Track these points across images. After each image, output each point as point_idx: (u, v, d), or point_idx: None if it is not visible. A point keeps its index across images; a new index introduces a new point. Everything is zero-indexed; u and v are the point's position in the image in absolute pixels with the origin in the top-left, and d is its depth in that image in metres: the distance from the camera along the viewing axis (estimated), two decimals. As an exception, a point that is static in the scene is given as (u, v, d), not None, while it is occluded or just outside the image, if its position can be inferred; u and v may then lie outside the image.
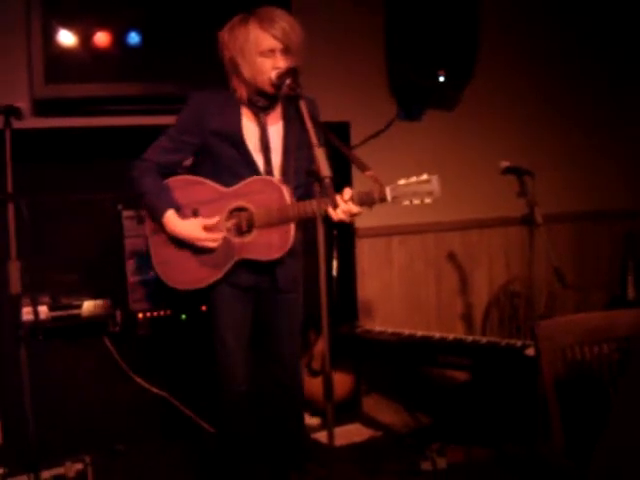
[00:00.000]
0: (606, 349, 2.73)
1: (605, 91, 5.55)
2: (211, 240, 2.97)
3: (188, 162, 3.18)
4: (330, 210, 2.82)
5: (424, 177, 2.80)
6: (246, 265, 3.03)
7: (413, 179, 2.80)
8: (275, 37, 2.87)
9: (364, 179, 2.78)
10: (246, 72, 2.93)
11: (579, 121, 5.47)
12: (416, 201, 2.81)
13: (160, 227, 3.02)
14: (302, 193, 3.03)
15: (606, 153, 5.60)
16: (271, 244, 2.98)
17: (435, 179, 2.79)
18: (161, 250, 3.07)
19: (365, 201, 2.85)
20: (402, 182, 2.81)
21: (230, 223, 3.01)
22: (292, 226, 2.96)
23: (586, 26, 5.40)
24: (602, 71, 5.51)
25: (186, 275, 3.05)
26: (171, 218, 2.97)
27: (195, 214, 3.00)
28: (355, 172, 4.03)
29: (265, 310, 3.19)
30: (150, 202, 3.01)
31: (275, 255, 2.99)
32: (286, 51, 2.90)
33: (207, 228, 2.97)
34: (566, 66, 5.38)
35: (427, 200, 2.80)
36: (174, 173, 3.09)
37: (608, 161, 5.61)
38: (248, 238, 2.99)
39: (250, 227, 2.98)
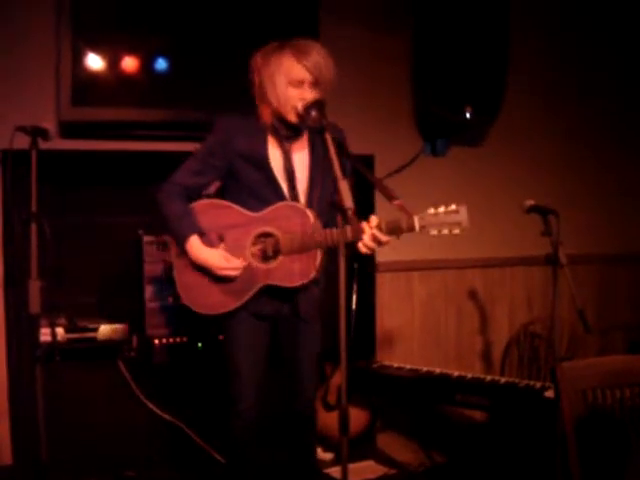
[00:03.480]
0: (628, 393, 2.68)
1: (633, 132, 5.52)
2: (231, 269, 2.96)
3: (213, 189, 3.18)
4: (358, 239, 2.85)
5: (452, 207, 2.79)
6: (267, 293, 3.02)
7: (441, 209, 2.80)
8: (307, 69, 2.89)
9: (388, 210, 2.80)
10: (273, 99, 2.94)
11: (605, 162, 5.45)
12: (444, 231, 2.80)
13: (183, 252, 3.02)
14: (325, 222, 3.01)
15: (632, 195, 5.56)
16: (296, 270, 2.97)
17: (464, 210, 2.79)
18: (185, 274, 3.07)
19: (393, 230, 2.84)
20: (431, 211, 2.81)
21: (256, 249, 3.01)
22: (319, 253, 2.97)
23: (615, 66, 5.40)
24: (631, 112, 5.49)
25: (209, 300, 3.04)
26: (194, 244, 2.98)
27: (221, 239, 3.01)
28: (379, 203, 4.03)
29: (284, 338, 3.18)
30: (173, 227, 3.02)
31: (299, 282, 2.98)
32: (315, 84, 2.92)
33: (228, 259, 2.96)
34: (593, 107, 5.36)
35: (455, 231, 2.80)
36: (199, 197, 3.09)
37: (634, 203, 5.57)
38: (273, 264, 2.99)
39: (276, 253, 2.98)
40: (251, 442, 3.12)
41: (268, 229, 2.99)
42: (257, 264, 3.00)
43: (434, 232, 2.81)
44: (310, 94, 2.91)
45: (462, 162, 4.93)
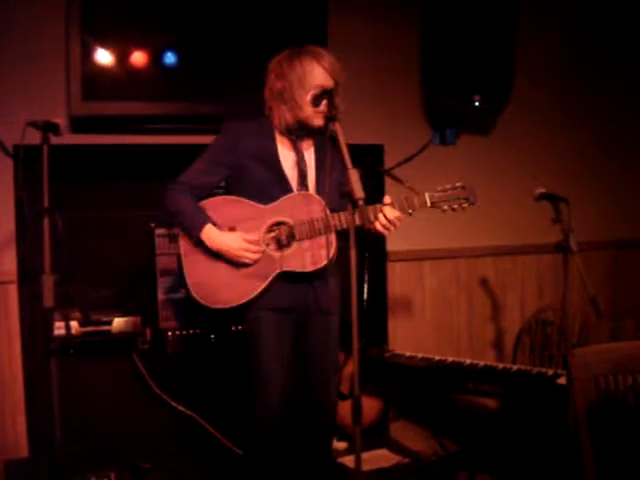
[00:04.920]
0: (640, 380, 2.68)
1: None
2: (252, 252, 3.00)
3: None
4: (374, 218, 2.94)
5: (458, 183, 3.01)
6: (286, 285, 3.04)
7: (449, 186, 3.01)
8: (331, 75, 2.97)
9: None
10: (301, 101, 2.98)
11: (615, 148, 5.42)
12: (455, 206, 3.01)
13: (195, 246, 3.05)
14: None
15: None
16: (311, 256, 3.01)
17: (470, 185, 3.02)
18: (196, 270, 3.08)
19: (405, 207, 2.98)
20: (439, 188, 3.01)
21: (269, 237, 3.04)
22: (334, 237, 3.01)
23: (624, 54, 5.37)
24: (640, 99, 5.47)
25: (224, 293, 3.05)
26: (211, 232, 3.01)
27: (232, 231, 3.04)
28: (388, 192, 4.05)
29: (304, 331, 3.18)
30: (187, 220, 3.04)
31: (316, 266, 3.02)
32: (335, 90, 2.98)
33: (247, 241, 2.99)
34: (602, 94, 5.34)
35: (465, 205, 3.02)
36: (207, 196, 3.13)
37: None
38: (288, 251, 3.02)
39: (289, 240, 3.02)
40: (274, 444, 3.13)
41: (281, 218, 3.03)
42: (271, 252, 3.03)
43: (445, 207, 3.01)
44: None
45: (471, 151, 4.93)
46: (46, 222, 2.91)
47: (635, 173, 5.51)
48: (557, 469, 3.47)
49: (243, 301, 3.04)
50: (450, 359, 4.18)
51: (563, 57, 5.19)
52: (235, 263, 3.03)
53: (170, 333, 4.02)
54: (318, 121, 3.00)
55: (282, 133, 3.09)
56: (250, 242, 3.00)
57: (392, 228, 2.98)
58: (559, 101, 5.20)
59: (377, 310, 4.66)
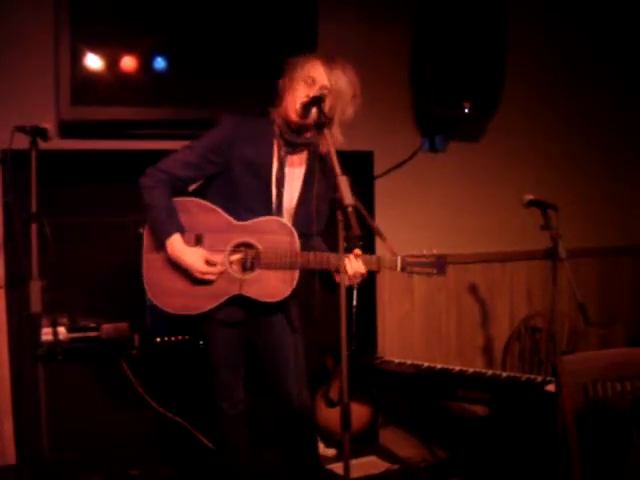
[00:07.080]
0: (628, 387, 2.69)
1: (632, 125, 5.52)
2: (210, 274, 2.94)
3: (191, 188, 3.13)
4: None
5: (434, 252, 2.95)
6: (237, 301, 2.99)
7: (425, 252, 2.95)
8: (326, 71, 2.88)
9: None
10: (286, 95, 2.93)
11: (604, 155, 5.45)
12: (424, 274, 2.96)
13: (159, 246, 2.97)
14: (312, 244, 3.02)
15: (632, 188, 5.56)
16: (272, 286, 2.96)
17: (443, 258, 2.94)
18: (156, 271, 3.01)
19: (373, 265, 2.94)
20: (415, 254, 2.95)
21: (234, 257, 2.98)
22: (296, 274, 2.95)
23: (612, 60, 5.39)
24: (630, 105, 5.48)
25: (179, 300, 3.00)
26: (176, 242, 2.92)
27: (198, 240, 2.96)
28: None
29: (258, 339, 3.16)
30: (158, 219, 2.94)
31: (274, 298, 2.97)
32: (327, 89, 2.89)
33: (209, 262, 2.93)
34: (591, 100, 5.36)
35: (434, 275, 2.96)
36: (183, 191, 3.05)
37: (633, 196, 5.57)
38: (250, 275, 2.96)
39: (254, 265, 2.96)
40: (238, 436, 3.18)
41: (250, 240, 2.95)
42: (234, 273, 2.97)
43: (414, 274, 2.96)
44: (316, 94, 2.89)
45: (461, 158, 4.93)
46: (34, 227, 2.90)
47: (625, 180, 5.54)
48: (546, 475, 3.48)
49: (192, 313, 3.00)
50: (439, 366, 4.18)
51: (553, 63, 5.21)
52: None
53: (158, 339, 4.01)
54: (292, 114, 2.91)
55: (277, 137, 2.99)
56: (212, 263, 2.93)
57: (355, 281, 2.93)
58: (549, 108, 5.22)
59: (366, 317, 4.66)
